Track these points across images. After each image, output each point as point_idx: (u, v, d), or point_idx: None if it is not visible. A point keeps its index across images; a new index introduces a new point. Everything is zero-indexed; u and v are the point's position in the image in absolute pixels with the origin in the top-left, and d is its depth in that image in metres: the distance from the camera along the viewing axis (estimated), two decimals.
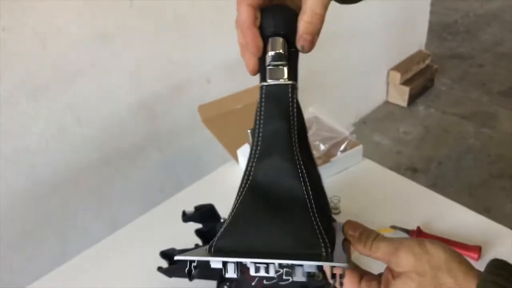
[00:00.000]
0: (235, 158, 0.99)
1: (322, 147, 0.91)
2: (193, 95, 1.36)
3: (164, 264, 0.66)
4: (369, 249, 0.41)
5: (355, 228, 0.43)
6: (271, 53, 0.39)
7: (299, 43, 0.39)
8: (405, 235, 0.78)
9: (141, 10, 1.14)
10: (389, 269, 0.40)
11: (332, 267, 0.38)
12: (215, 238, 0.38)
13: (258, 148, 0.40)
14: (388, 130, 2.26)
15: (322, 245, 0.36)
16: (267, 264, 0.37)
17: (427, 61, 2.51)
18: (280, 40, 0.39)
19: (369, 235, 0.41)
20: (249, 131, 0.52)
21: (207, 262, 0.37)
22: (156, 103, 1.29)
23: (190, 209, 0.68)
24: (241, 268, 0.36)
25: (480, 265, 0.74)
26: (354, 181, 0.90)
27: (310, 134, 0.97)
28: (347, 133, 0.95)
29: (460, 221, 0.80)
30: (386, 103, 2.45)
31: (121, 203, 1.32)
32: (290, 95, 0.40)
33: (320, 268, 0.38)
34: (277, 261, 0.37)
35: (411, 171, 1.99)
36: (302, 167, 0.38)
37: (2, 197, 1.04)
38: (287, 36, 0.40)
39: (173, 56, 1.28)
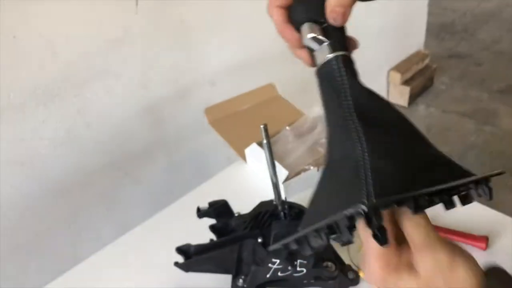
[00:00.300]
0: (243, 157, 1.00)
1: None
2: (198, 99, 1.38)
3: (174, 261, 0.68)
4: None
5: None
6: (305, 41, 0.41)
7: (330, 17, 0.41)
8: None
9: (146, 16, 1.16)
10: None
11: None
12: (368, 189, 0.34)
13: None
14: None
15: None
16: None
17: (426, 61, 2.54)
18: (305, 26, 0.41)
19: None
20: (262, 126, 0.54)
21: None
22: (163, 107, 1.32)
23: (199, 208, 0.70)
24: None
25: (488, 255, 0.76)
26: None
27: (316, 133, 0.99)
28: None
29: (467, 212, 0.81)
30: None
31: (130, 205, 1.34)
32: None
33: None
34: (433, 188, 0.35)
35: None
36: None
37: (16, 202, 1.06)
38: (317, 17, 0.41)
39: (179, 61, 1.30)
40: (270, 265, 0.61)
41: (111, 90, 1.17)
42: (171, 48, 1.27)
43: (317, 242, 0.35)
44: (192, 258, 0.65)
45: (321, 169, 0.90)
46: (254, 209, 0.64)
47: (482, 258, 0.75)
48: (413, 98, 2.44)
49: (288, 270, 0.62)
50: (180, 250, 0.65)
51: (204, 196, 0.72)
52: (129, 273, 0.79)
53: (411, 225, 0.37)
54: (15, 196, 1.06)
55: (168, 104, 1.33)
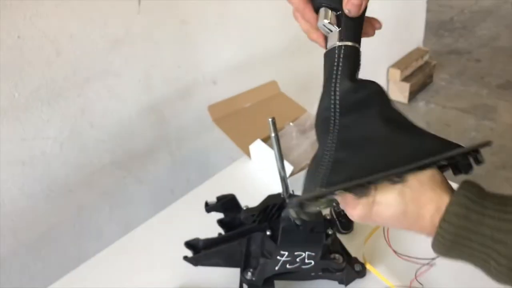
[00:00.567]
0: (247, 154, 1.01)
1: None
2: (200, 97, 1.39)
3: (184, 255, 0.68)
4: None
5: None
6: (319, 25, 0.45)
7: (346, 7, 0.44)
8: None
9: (148, 16, 1.17)
10: None
11: None
12: (323, 178, 0.44)
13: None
14: None
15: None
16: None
17: (426, 58, 2.55)
18: (322, 11, 0.45)
19: None
20: (270, 119, 0.54)
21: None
22: (165, 106, 1.32)
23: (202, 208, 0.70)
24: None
25: None
26: None
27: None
28: None
29: None
30: None
31: (133, 204, 1.34)
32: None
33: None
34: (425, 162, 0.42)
35: None
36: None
37: (20, 201, 1.07)
38: (335, 4, 0.45)
39: (180, 60, 1.31)
40: (278, 257, 0.61)
41: (113, 89, 1.17)
42: (173, 47, 1.27)
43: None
44: (201, 252, 0.65)
45: None
46: (262, 203, 0.64)
47: None
48: (413, 94, 2.45)
49: (297, 262, 0.62)
50: (189, 244, 0.66)
51: (210, 192, 0.72)
52: (135, 270, 0.79)
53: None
54: (18, 196, 1.06)
55: (170, 103, 1.33)
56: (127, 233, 0.89)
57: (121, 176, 1.29)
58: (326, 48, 0.47)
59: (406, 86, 2.38)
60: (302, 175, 0.89)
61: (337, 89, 0.46)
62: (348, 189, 0.42)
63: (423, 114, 2.36)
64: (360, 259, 0.72)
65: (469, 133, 2.17)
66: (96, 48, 1.10)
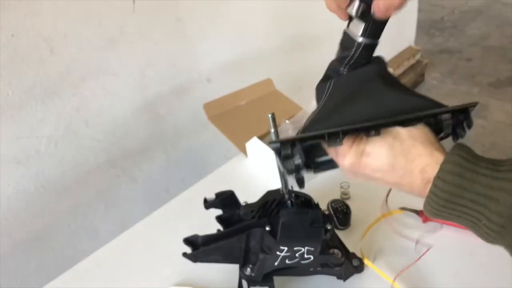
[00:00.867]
0: (244, 152, 1.01)
1: None
2: (194, 95, 1.39)
3: (183, 252, 0.68)
4: None
5: None
6: (349, 10, 0.48)
7: (373, 8, 0.46)
8: (415, 215, 0.81)
9: (143, 14, 1.17)
10: None
11: None
12: (301, 129, 0.49)
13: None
14: None
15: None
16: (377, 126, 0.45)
17: (417, 57, 2.57)
18: (356, 3, 0.47)
19: None
20: (269, 115, 0.55)
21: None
22: (160, 104, 1.32)
23: (199, 205, 0.70)
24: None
25: (482, 241, 0.77)
26: None
27: None
28: None
29: None
30: None
31: (128, 203, 1.34)
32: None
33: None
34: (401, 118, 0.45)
35: None
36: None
37: (14, 201, 1.06)
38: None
39: (175, 58, 1.30)
40: (278, 253, 0.62)
41: (108, 88, 1.17)
42: (168, 46, 1.27)
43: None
44: (200, 248, 0.66)
45: None
46: (262, 198, 0.64)
47: (482, 243, 0.77)
48: None
49: (296, 258, 0.62)
50: (188, 241, 0.66)
51: (207, 190, 0.72)
52: (132, 269, 0.79)
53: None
54: (12, 195, 1.05)
55: (165, 101, 1.33)
56: (123, 232, 0.88)
57: (116, 175, 1.28)
58: (347, 27, 0.51)
59: None
60: None
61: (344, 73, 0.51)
62: (321, 137, 0.44)
63: None
64: (358, 254, 0.73)
65: None
66: (91, 46, 1.09)
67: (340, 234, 0.74)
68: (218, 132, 1.09)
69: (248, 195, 0.70)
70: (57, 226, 1.18)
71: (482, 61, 2.78)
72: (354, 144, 0.46)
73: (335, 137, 0.44)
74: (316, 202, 0.65)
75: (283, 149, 0.47)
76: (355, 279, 0.71)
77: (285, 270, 0.66)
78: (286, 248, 0.61)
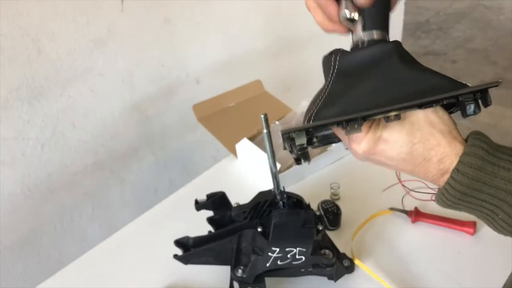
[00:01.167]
0: (234, 153, 1.01)
1: None
2: (183, 97, 1.38)
3: (174, 254, 0.68)
4: None
5: None
6: (341, 15, 0.45)
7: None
8: (404, 216, 0.82)
9: (131, 15, 1.16)
10: None
11: None
12: (314, 112, 0.44)
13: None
14: None
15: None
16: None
17: None
18: (343, 1, 0.45)
19: None
20: (262, 116, 0.55)
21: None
22: (148, 106, 1.31)
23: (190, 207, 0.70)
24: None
25: (476, 240, 0.79)
26: (352, 169, 0.94)
27: None
28: None
29: None
30: None
31: (116, 205, 1.33)
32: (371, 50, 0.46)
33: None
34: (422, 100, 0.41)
35: None
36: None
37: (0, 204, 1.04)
38: None
39: (163, 59, 1.30)
40: (269, 254, 0.61)
41: (96, 88, 1.15)
42: (156, 46, 1.26)
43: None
44: (191, 250, 0.65)
45: (312, 161, 0.92)
46: (253, 199, 0.64)
47: (470, 243, 0.78)
48: None
49: (288, 258, 0.62)
50: (179, 242, 0.66)
51: (197, 191, 0.72)
52: (121, 272, 0.78)
53: None
54: None
55: (153, 102, 1.32)
56: (112, 234, 0.87)
57: (104, 177, 1.27)
58: (352, 42, 0.47)
59: None
60: (288, 173, 0.90)
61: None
62: (338, 123, 0.41)
63: None
64: (348, 254, 0.73)
65: None
66: (79, 46, 1.08)
67: (331, 234, 0.74)
68: (207, 133, 1.08)
69: (239, 196, 0.70)
70: (44, 229, 1.16)
71: (466, 63, 2.82)
72: (370, 129, 0.42)
73: (354, 124, 0.40)
74: (307, 203, 0.65)
75: (298, 139, 0.43)
76: (345, 280, 0.71)
77: (276, 271, 0.66)
78: (278, 249, 0.61)
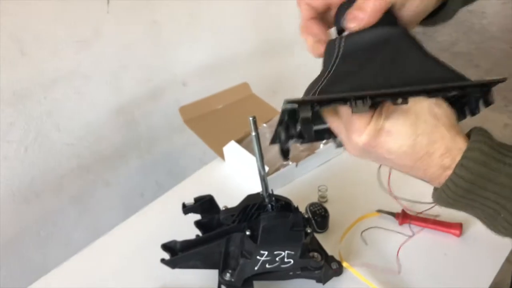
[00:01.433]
0: (221, 155, 1.00)
1: None
2: (170, 99, 1.37)
3: (161, 258, 0.67)
4: None
5: None
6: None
7: (348, 25, 0.43)
8: (391, 218, 0.82)
9: (117, 16, 1.14)
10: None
11: None
12: (319, 87, 0.41)
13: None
14: None
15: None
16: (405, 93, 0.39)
17: None
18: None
19: None
20: (250, 118, 0.54)
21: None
22: (134, 108, 1.30)
23: (177, 210, 0.69)
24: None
25: (462, 241, 0.79)
26: (339, 171, 0.94)
27: None
28: None
29: None
30: None
31: (101, 209, 1.31)
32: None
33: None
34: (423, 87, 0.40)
35: None
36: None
37: None
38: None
39: (150, 61, 1.29)
40: (258, 257, 0.61)
41: (81, 91, 1.14)
42: (143, 48, 1.25)
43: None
44: (179, 254, 0.64)
45: (300, 163, 0.92)
46: (242, 202, 0.64)
47: (456, 244, 0.78)
48: None
49: (276, 262, 0.62)
50: (166, 246, 0.65)
51: (184, 194, 0.71)
52: (107, 277, 0.76)
53: None
54: None
55: (140, 104, 1.31)
56: (97, 239, 0.86)
57: (89, 180, 1.25)
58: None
59: None
60: (276, 175, 0.90)
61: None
62: (344, 100, 0.38)
63: None
64: (336, 257, 0.73)
65: None
66: (64, 48, 1.06)
67: (319, 237, 0.74)
68: (193, 136, 1.08)
69: (226, 199, 0.69)
70: (27, 233, 1.14)
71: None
72: (372, 119, 0.40)
73: (361, 102, 0.37)
74: (296, 205, 0.65)
75: (302, 112, 0.39)
76: (334, 282, 0.71)
77: (265, 275, 0.66)
78: (266, 252, 0.61)
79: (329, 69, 0.43)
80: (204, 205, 0.67)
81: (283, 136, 0.44)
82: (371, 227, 0.82)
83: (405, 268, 0.74)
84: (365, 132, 0.39)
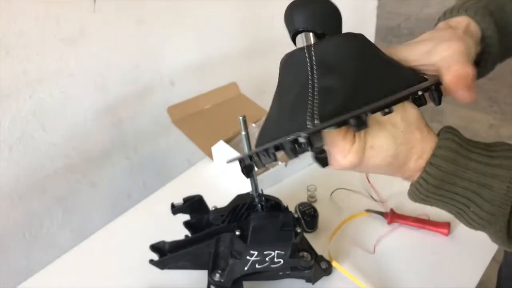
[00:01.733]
0: (209, 155, 1.00)
1: None
2: (157, 99, 1.36)
3: (150, 259, 0.66)
4: None
5: None
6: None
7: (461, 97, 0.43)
8: (380, 217, 0.82)
9: (104, 15, 1.13)
10: None
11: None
12: (314, 109, 0.39)
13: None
14: None
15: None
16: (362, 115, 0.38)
17: None
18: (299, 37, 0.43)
19: None
20: (240, 118, 0.54)
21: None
22: (121, 108, 1.28)
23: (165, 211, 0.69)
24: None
25: (450, 240, 0.80)
26: (328, 171, 0.93)
27: None
28: None
29: None
30: None
31: (88, 210, 1.29)
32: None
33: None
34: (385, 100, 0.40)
35: None
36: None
37: None
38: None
39: (137, 61, 1.27)
40: (248, 257, 0.61)
41: (67, 90, 1.12)
42: (130, 47, 1.24)
43: (266, 160, 0.40)
44: (167, 255, 0.64)
45: (289, 163, 0.92)
46: (232, 202, 0.63)
47: (444, 243, 0.79)
48: None
49: (266, 262, 0.62)
50: (155, 247, 0.64)
51: (172, 195, 0.71)
52: (94, 279, 0.76)
53: None
54: None
55: (126, 104, 1.30)
56: (83, 241, 0.85)
57: (75, 181, 1.24)
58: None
59: None
60: (266, 175, 0.90)
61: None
62: (345, 121, 0.37)
63: None
64: (326, 257, 0.73)
65: None
66: (49, 47, 1.05)
67: (308, 237, 0.74)
68: (181, 136, 1.07)
69: (215, 199, 0.69)
70: (12, 235, 1.12)
71: None
72: (356, 138, 0.40)
73: (357, 121, 0.37)
74: (285, 205, 0.65)
75: (316, 142, 0.37)
76: (323, 282, 0.71)
77: (254, 275, 0.65)
78: (256, 253, 0.61)
79: (311, 84, 0.41)
80: (193, 205, 0.66)
81: (266, 159, 0.41)
82: (360, 227, 0.82)
83: (394, 267, 0.74)
84: (351, 153, 0.40)
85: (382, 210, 0.83)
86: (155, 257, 0.65)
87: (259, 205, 0.62)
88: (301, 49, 0.42)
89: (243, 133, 0.55)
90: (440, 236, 0.79)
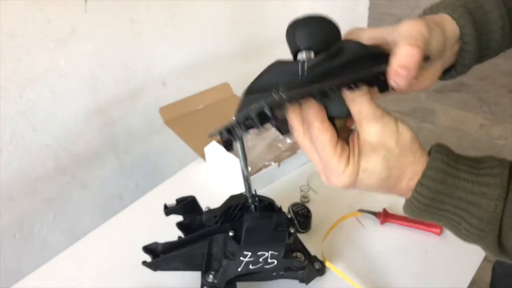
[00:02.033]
0: (202, 156, 0.99)
1: (288, 140, 0.95)
2: (149, 99, 1.35)
3: (142, 260, 0.66)
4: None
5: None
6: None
7: (395, 80, 0.42)
8: (373, 217, 0.82)
9: (95, 15, 1.12)
10: (357, 134, 0.43)
11: None
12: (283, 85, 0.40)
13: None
14: None
15: None
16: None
17: None
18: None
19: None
20: (234, 118, 0.53)
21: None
22: (113, 109, 1.27)
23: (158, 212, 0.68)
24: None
25: (442, 240, 0.80)
26: None
27: (274, 130, 1.00)
28: None
29: None
30: None
31: (79, 212, 1.28)
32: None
33: None
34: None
35: None
36: None
37: None
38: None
39: (128, 61, 1.27)
40: (241, 258, 0.60)
41: (58, 90, 1.11)
42: (121, 47, 1.23)
43: (239, 132, 0.43)
44: (160, 256, 0.63)
45: (282, 164, 0.92)
46: (225, 203, 0.63)
47: (437, 243, 0.79)
48: None
49: (260, 262, 0.62)
50: (147, 249, 0.63)
51: (164, 196, 0.70)
52: (85, 281, 0.75)
53: (358, 102, 0.42)
54: None
55: (118, 105, 1.29)
56: (74, 242, 0.84)
57: (66, 182, 1.22)
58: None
59: None
60: (259, 176, 0.89)
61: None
62: (310, 94, 0.40)
63: None
64: (319, 257, 0.73)
65: None
66: (39, 46, 1.04)
67: (301, 237, 0.74)
68: (173, 137, 1.06)
69: (208, 200, 0.68)
70: (2, 237, 1.11)
71: None
72: (349, 160, 0.42)
73: (324, 93, 0.40)
74: (279, 206, 0.65)
75: (279, 112, 0.41)
76: (317, 282, 0.71)
77: (248, 276, 0.65)
78: (250, 253, 0.60)
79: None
80: (186, 206, 0.66)
81: (239, 131, 0.44)
82: (353, 227, 0.82)
83: (387, 266, 0.74)
84: (344, 175, 0.42)
85: (375, 210, 0.83)
86: (148, 258, 0.65)
87: (253, 206, 0.62)
88: (297, 61, 0.44)
89: None
90: (433, 235, 0.79)
